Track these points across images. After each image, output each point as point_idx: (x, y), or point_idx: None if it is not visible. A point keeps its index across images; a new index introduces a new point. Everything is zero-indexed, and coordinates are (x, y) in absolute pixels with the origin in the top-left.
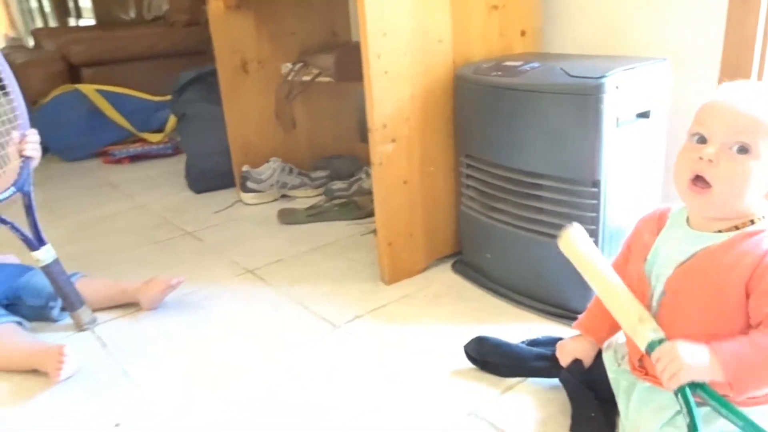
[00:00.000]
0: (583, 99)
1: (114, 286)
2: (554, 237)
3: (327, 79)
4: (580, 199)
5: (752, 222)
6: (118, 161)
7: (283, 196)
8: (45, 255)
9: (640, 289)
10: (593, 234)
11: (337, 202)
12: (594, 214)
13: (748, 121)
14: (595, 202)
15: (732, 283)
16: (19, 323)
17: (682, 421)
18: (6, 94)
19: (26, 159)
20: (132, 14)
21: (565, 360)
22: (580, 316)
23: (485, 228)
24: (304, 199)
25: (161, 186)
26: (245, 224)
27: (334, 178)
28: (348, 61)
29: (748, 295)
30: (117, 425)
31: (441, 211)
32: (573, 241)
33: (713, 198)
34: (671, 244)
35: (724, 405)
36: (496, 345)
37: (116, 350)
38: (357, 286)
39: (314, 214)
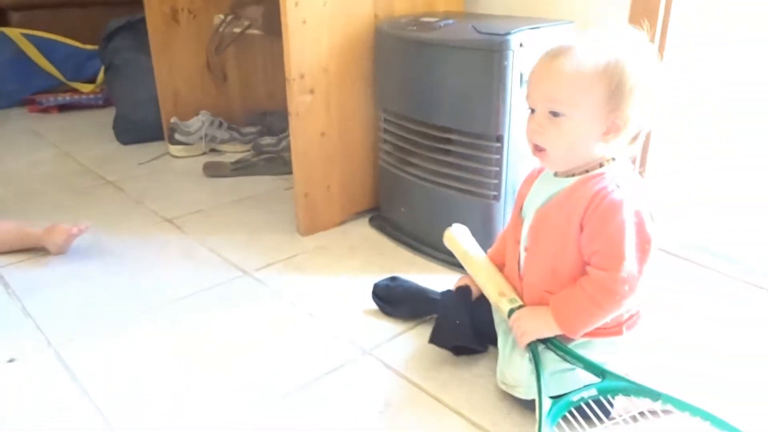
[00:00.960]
0: (488, 55)
1: (18, 229)
2: (463, 191)
3: (257, 31)
4: (485, 154)
5: (600, 165)
6: (45, 110)
7: (212, 150)
8: None
9: (515, 237)
10: (497, 188)
11: (264, 156)
12: (497, 169)
13: (552, 87)
14: (498, 156)
15: (571, 223)
16: None
17: (544, 357)
18: None
19: None
20: None
21: (457, 283)
22: None
23: (400, 182)
24: (233, 153)
25: (88, 136)
26: (170, 176)
27: (266, 134)
28: (277, 14)
29: None
30: (11, 360)
31: (359, 166)
32: (453, 236)
33: (551, 158)
34: (536, 193)
35: (566, 352)
36: (405, 284)
37: (19, 290)
38: (273, 237)
39: (240, 168)
